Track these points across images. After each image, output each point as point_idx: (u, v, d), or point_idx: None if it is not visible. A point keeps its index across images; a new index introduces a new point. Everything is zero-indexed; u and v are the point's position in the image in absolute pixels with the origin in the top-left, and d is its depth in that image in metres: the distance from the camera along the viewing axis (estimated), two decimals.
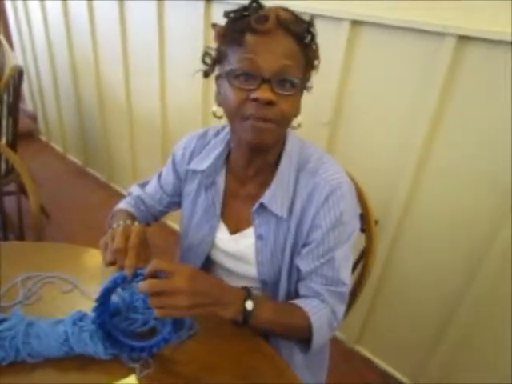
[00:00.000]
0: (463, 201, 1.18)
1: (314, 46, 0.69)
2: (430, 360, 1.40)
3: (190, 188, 0.87)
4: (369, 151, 1.35)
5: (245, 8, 0.66)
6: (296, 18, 0.66)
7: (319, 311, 0.74)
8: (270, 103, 0.63)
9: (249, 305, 0.65)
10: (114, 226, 0.71)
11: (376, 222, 0.94)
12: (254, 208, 0.77)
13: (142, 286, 0.57)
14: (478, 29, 1.00)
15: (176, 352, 0.68)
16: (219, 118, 0.75)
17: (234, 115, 0.67)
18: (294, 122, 0.72)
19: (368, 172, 1.28)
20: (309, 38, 0.67)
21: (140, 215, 0.94)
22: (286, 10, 0.66)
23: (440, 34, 1.06)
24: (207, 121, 1.85)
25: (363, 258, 0.96)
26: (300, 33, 0.65)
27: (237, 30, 0.65)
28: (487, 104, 1.06)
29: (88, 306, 0.67)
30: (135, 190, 0.99)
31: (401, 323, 1.47)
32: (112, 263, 0.63)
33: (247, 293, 0.67)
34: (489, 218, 1.14)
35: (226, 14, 0.68)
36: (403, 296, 1.43)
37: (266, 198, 0.75)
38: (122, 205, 0.95)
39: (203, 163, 0.82)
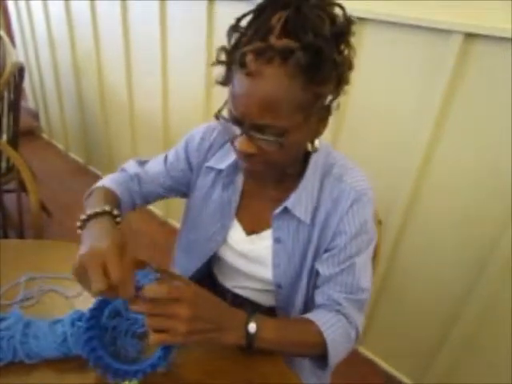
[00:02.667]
0: (467, 201, 1.17)
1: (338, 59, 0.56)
2: (433, 361, 1.39)
3: (203, 182, 0.84)
4: (372, 151, 1.33)
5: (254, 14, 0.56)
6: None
7: (333, 325, 0.69)
8: (249, 155, 0.59)
9: (252, 328, 0.61)
10: (85, 214, 0.64)
11: (379, 223, 0.93)
12: (277, 211, 0.74)
13: (138, 307, 0.53)
14: (485, 26, 0.99)
15: (178, 355, 0.66)
16: None
17: None
18: (309, 147, 0.68)
19: (371, 172, 1.27)
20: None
21: (126, 196, 0.85)
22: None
23: (446, 32, 1.05)
24: (209, 119, 1.83)
25: None
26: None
27: (235, 57, 0.57)
28: (493, 103, 1.04)
29: (88, 304, 0.65)
30: (132, 166, 0.90)
31: (404, 324, 1.45)
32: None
33: (248, 315, 0.63)
34: (493, 218, 1.12)
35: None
36: (406, 297, 1.41)
37: (290, 202, 0.72)
38: (107, 181, 0.84)
39: (223, 161, 0.79)
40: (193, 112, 1.89)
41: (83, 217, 0.65)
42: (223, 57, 0.61)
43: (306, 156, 0.73)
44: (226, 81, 0.62)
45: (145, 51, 2.00)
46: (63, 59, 2.63)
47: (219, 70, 0.63)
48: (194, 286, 0.60)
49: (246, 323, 0.61)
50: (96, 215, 0.65)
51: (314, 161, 0.73)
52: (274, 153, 0.59)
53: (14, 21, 3.01)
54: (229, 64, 0.60)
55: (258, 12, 0.56)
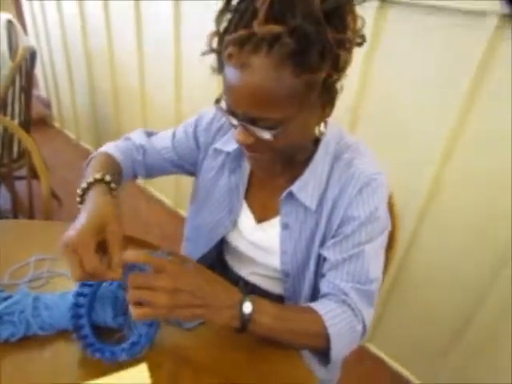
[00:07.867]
0: (487, 201, 1.11)
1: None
2: (442, 362, 1.35)
3: (212, 165, 0.82)
4: (391, 143, 1.27)
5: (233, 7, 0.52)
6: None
7: (337, 315, 0.64)
8: (247, 145, 0.58)
9: (247, 307, 0.57)
10: (80, 187, 0.64)
11: (393, 206, 0.90)
12: (282, 196, 0.72)
13: (123, 277, 0.53)
14: None
15: (187, 338, 0.64)
16: None
17: None
18: (316, 131, 0.66)
19: (390, 165, 1.23)
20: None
21: (128, 165, 0.85)
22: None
23: (479, 14, 0.97)
24: None
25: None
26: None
27: (221, 47, 0.54)
28: None
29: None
30: (139, 137, 0.88)
31: (414, 323, 1.42)
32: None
33: (243, 295, 0.59)
34: (509, 219, 1.07)
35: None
36: (418, 295, 1.38)
37: (295, 187, 0.70)
38: (110, 148, 0.83)
39: (230, 144, 0.77)
40: (205, 103, 1.84)
41: (79, 191, 0.64)
42: (215, 43, 0.57)
43: (317, 140, 0.70)
44: (219, 69, 0.59)
45: (158, 39, 1.98)
46: (75, 47, 2.62)
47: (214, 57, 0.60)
48: (184, 263, 0.58)
49: (241, 302, 0.58)
50: (89, 186, 0.64)
51: (325, 145, 0.70)
52: (272, 143, 0.57)
53: (27, 9, 3.00)
54: (219, 52, 0.56)
55: None
